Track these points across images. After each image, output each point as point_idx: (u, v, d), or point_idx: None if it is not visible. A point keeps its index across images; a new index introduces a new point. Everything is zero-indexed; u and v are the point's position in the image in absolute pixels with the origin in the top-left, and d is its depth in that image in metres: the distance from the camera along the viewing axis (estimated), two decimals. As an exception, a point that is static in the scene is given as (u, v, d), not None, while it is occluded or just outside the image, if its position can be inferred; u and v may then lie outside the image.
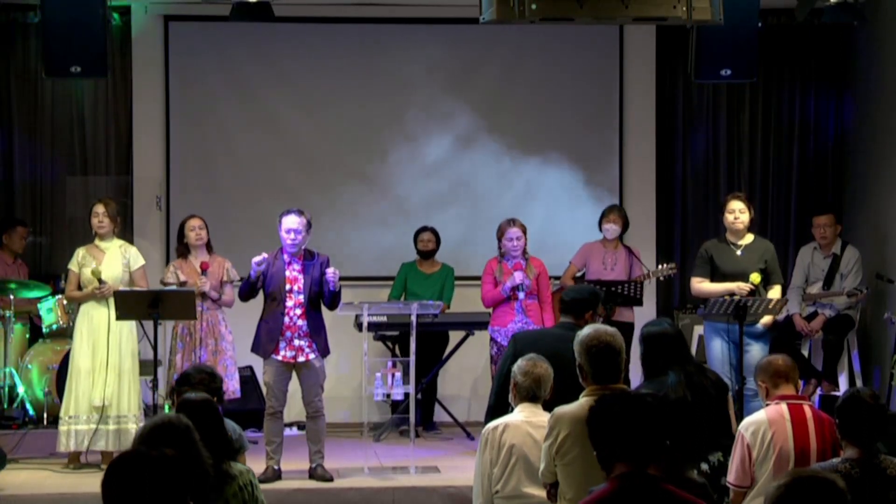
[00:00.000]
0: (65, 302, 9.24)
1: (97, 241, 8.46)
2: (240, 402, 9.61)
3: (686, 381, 5.60)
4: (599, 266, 9.25)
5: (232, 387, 8.64)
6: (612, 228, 9.29)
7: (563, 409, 4.89)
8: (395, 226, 10.46)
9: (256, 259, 7.91)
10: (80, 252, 8.46)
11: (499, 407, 5.84)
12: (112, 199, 8.74)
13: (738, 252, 8.38)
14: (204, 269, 8.64)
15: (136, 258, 8.50)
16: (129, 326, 8.40)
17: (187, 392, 5.57)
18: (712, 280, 8.39)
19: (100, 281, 8.25)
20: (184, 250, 8.81)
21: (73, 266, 8.46)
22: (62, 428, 8.26)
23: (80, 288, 8.42)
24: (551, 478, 4.89)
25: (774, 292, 8.33)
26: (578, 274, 9.36)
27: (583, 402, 4.87)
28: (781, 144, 10.92)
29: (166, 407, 8.13)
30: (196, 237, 8.75)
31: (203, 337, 8.58)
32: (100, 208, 8.43)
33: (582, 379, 4.96)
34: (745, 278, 8.23)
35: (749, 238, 8.45)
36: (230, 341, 8.71)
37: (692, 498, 3.59)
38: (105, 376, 8.24)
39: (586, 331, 4.98)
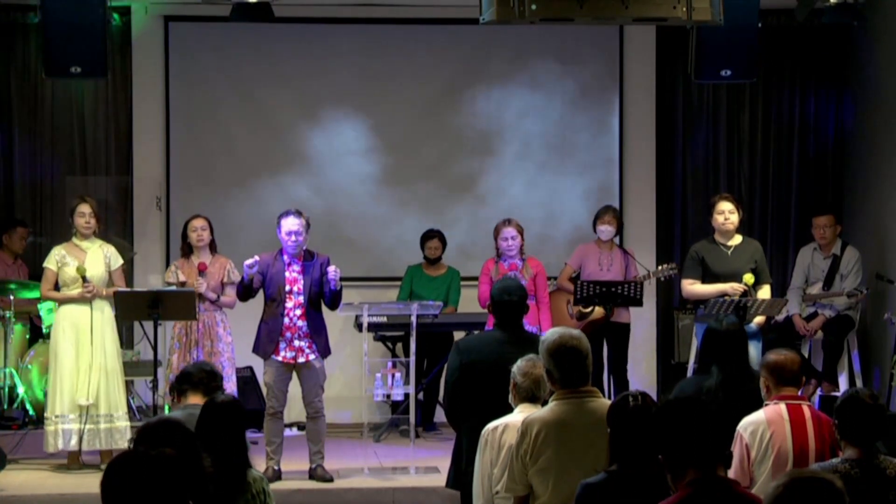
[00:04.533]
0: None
1: (76, 241, 8.30)
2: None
3: (723, 384, 5.79)
4: (595, 267, 9.25)
5: (228, 389, 8.59)
6: (607, 230, 9.28)
7: (533, 415, 4.89)
8: (396, 226, 10.46)
9: (248, 262, 7.89)
10: (59, 251, 8.28)
11: (454, 417, 6.01)
12: (92, 197, 8.61)
13: (729, 253, 8.41)
14: (202, 270, 8.53)
15: (115, 257, 8.40)
16: (112, 325, 8.33)
17: (187, 390, 5.57)
18: (703, 281, 8.40)
19: (84, 279, 8.14)
20: (187, 250, 8.72)
21: (50, 265, 8.26)
22: (49, 428, 8.17)
23: (56, 287, 8.29)
24: (523, 490, 4.83)
25: (764, 292, 8.38)
26: (574, 275, 9.36)
27: (552, 405, 4.84)
28: (781, 144, 10.91)
29: (166, 408, 8.11)
30: (198, 238, 8.63)
31: (199, 338, 8.50)
32: (86, 208, 8.27)
33: (551, 384, 4.93)
34: (737, 279, 8.25)
35: (738, 239, 8.49)
36: (227, 343, 8.61)
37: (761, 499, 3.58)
38: (90, 376, 8.14)
39: (551, 336, 4.92)
